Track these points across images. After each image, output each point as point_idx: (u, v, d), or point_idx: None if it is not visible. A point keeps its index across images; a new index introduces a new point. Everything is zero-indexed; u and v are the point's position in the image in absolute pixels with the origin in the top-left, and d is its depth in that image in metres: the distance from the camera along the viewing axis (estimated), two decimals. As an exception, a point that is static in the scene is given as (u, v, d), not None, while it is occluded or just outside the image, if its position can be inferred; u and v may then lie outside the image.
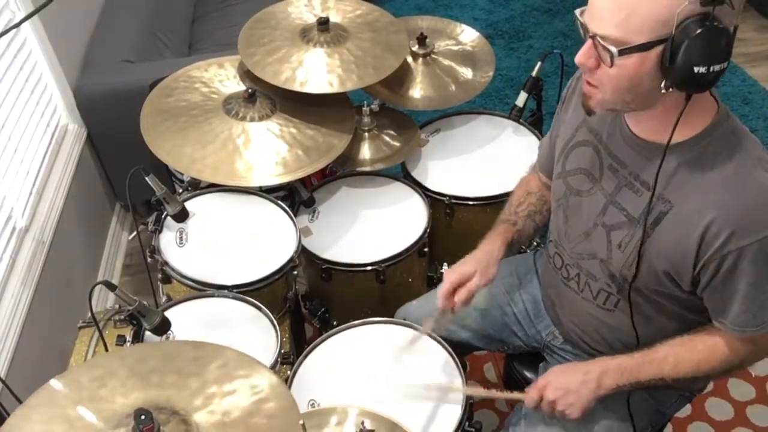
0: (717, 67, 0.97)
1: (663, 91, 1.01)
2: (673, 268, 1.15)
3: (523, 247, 2.00)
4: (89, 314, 1.39)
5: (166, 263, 1.61)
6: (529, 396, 1.28)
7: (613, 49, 1.00)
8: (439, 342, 1.48)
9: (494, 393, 1.37)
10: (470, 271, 1.36)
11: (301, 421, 0.89)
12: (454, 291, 1.37)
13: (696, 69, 0.96)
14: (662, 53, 0.98)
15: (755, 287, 1.10)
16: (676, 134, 1.07)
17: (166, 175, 2.04)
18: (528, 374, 1.58)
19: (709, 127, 1.09)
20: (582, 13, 1.05)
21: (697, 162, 1.10)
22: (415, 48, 2.01)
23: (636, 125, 1.16)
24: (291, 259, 1.65)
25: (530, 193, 1.51)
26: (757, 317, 1.13)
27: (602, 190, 1.24)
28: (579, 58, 1.07)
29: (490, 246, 1.41)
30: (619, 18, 0.98)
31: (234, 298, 1.57)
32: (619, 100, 1.08)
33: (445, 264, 1.97)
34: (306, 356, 1.47)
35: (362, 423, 1.22)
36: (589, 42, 1.05)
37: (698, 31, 0.94)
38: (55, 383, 0.93)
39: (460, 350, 1.53)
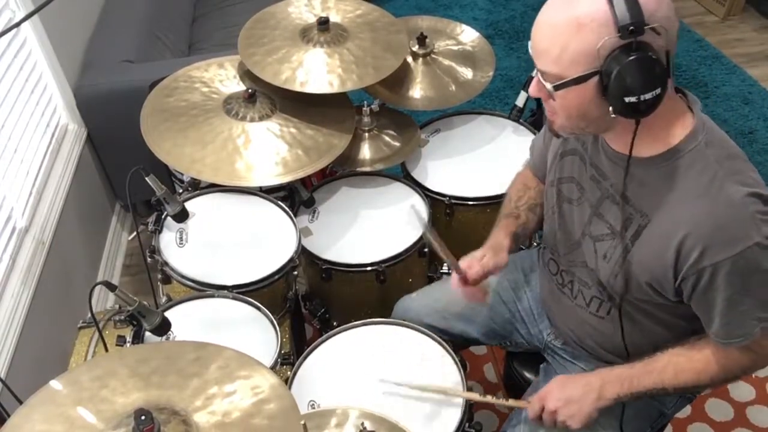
0: (649, 95, 0.99)
1: (612, 116, 1.03)
2: (656, 280, 1.16)
3: (523, 246, 2.01)
4: (89, 314, 1.39)
5: (166, 263, 1.61)
6: (531, 406, 1.28)
7: (549, 86, 1.05)
8: (439, 343, 1.48)
9: (496, 400, 1.37)
10: (481, 254, 1.37)
11: (302, 422, 0.89)
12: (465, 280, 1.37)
13: (627, 99, 0.99)
14: (598, 84, 1.02)
15: (733, 300, 1.10)
16: (649, 148, 1.10)
17: (166, 175, 2.04)
18: (528, 375, 1.58)
19: (683, 141, 1.09)
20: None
21: (671, 176, 1.10)
22: (415, 48, 2.01)
23: (611, 139, 1.17)
24: (291, 260, 1.65)
25: (529, 188, 1.52)
26: (739, 328, 1.13)
27: (588, 200, 1.25)
28: (531, 91, 1.13)
29: (497, 238, 1.42)
30: (553, 55, 1.03)
31: (234, 298, 1.57)
32: (574, 126, 1.13)
33: (445, 264, 1.98)
34: (306, 357, 1.47)
35: (362, 424, 1.22)
36: (537, 76, 1.09)
37: (623, 62, 0.97)
38: (55, 384, 0.93)
39: (461, 343, 1.53)
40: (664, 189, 1.11)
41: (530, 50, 1.09)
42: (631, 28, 0.96)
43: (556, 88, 1.05)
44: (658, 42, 0.99)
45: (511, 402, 1.37)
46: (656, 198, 1.12)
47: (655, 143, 1.10)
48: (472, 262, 1.36)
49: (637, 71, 0.97)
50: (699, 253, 1.07)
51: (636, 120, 1.04)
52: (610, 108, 1.02)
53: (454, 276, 1.37)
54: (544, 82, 1.07)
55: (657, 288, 1.17)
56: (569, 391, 1.24)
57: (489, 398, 1.37)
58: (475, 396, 1.37)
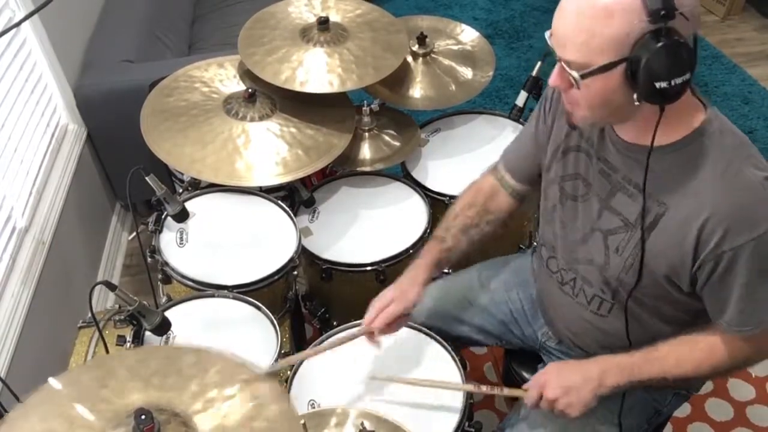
0: (679, 80, 0.99)
1: (636, 103, 1.03)
2: (672, 269, 1.15)
3: (522, 246, 2.01)
4: (89, 314, 1.39)
5: (166, 263, 1.61)
6: (529, 394, 1.27)
7: (576, 74, 1.04)
8: (439, 342, 1.48)
9: (494, 390, 1.37)
10: (389, 299, 1.38)
11: (302, 421, 0.89)
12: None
13: (658, 84, 0.99)
14: (625, 71, 1.01)
15: (751, 286, 1.10)
16: (664, 137, 1.10)
17: (166, 174, 2.04)
18: (527, 374, 1.57)
19: (697, 129, 1.10)
20: (551, 36, 1.08)
21: (687, 164, 1.10)
22: (415, 48, 2.01)
23: (621, 130, 1.17)
24: (291, 259, 1.65)
25: (471, 206, 1.49)
26: (754, 316, 1.13)
27: (596, 195, 1.24)
28: (552, 81, 1.11)
29: (414, 271, 1.44)
30: (579, 42, 1.02)
31: (234, 298, 1.57)
32: (597, 116, 1.12)
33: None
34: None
35: (362, 424, 1.22)
36: (559, 65, 1.08)
37: (654, 48, 0.97)
38: (54, 382, 0.93)
39: (459, 343, 1.54)
40: (682, 176, 1.11)
41: (550, 40, 1.07)
42: (663, 12, 0.95)
43: (583, 76, 1.03)
44: (687, 27, 0.98)
45: (507, 391, 1.35)
46: (674, 185, 1.12)
47: (671, 131, 1.10)
48: (375, 317, 1.37)
49: (669, 56, 0.97)
50: (720, 236, 1.07)
51: (661, 107, 1.04)
52: (635, 95, 1.02)
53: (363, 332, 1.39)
54: (569, 71, 1.05)
55: (672, 278, 1.16)
56: (568, 380, 1.23)
57: (484, 389, 1.36)
58: (470, 387, 1.37)
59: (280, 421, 0.90)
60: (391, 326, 1.39)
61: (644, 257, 1.17)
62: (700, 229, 1.09)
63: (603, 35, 0.99)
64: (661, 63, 0.97)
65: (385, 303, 1.38)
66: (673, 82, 0.99)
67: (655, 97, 1.01)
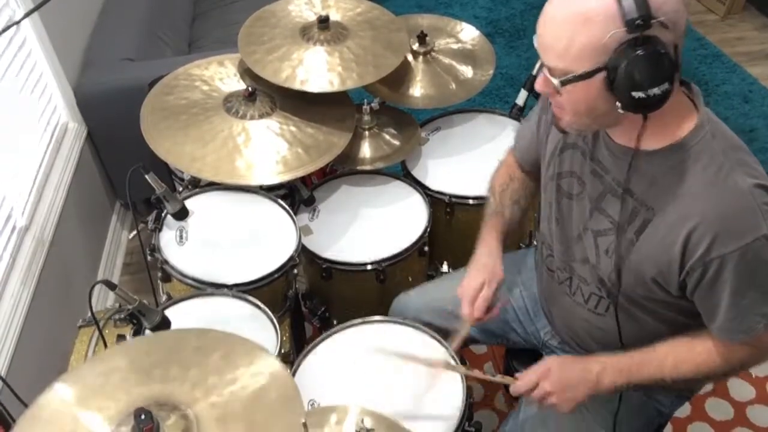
0: (656, 90, 0.98)
1: (620, 111, 1.02)
2: (660, 274, 1.15)
3: (523, 245, 2.01)
4: (89, 313, 1.38)
5: (166, 262, 1.61)
6: (524, 379, 1.25)
7: (555, 81, 1.04)
8: (439, 341, 1.48)
9: (483, 375, 1.37)
10: (480, 283, 1.37)
11: (303, 420, 0.89)
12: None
13: (635, 94, 0.99)
14: (605, 79, 1.01)
15: (739, 294, 1.09)
16: (654, 141, 1.10)
17: (166, 173, 2.04)
18: (528, 373, 1.57)
19: (689, 134, 1.09)
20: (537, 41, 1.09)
21: (677, 169, 1.10)
22: (416, 46, 2.01)
23: (614, 133, 1.17)
24: (291, 258, 1.65)
25: (512, 179, 1.52)
26: (743, 323, 1.12)
27: (588, 194, 1.24)
28: (537, 86, 1.12)
29: (488, 246, 1.43)
30: (559, 49, 1.02)
31: (234, 296, 1.56)
32: (582, 122, 1.12)
33: (445, 263, 1.97)
34: (306, 356, 1.47)
35: (362, 421, 1.22)
36: (543, 71, 1.08)
37: (630, 57, 0.96)
38: (59, 386, 0.93)
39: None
40: (671, 181, 1.10)
41: (536, 45, 1.08)
42: (638, 21, 0.95)
43: (563, 83, 1.04)
44: (666, 36, 0.98)
45: (499, 378, 1.34)
46: (663, 190, 1.11)
47: (661, 136, 1.09)
48: (477, 305, 1.36)
49: (645, 66, 0.96)
50: (707, 245, 1.06)
51: (644, 115, 1.03)
52: (618, 103, 1.02)
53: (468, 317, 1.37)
54: (550, 77, 1.06)
55: (660, 282, 1.16)
56: (569, 376, 1.22)
57: (477, 372, 1.36)
58: (462, 369, 1.37)
59: (282, 406, 0.89)
60: (492, 310, 1.38)
61: (633, 261, 1.17)
62: (687, 236, 1.08)
63: (581, 43, 0.99)
64: (637, 72, 0.97)
65: (476, 290, 1.36)
66: (650, 92, 0.98)
67: (634, 106, 1.01)
